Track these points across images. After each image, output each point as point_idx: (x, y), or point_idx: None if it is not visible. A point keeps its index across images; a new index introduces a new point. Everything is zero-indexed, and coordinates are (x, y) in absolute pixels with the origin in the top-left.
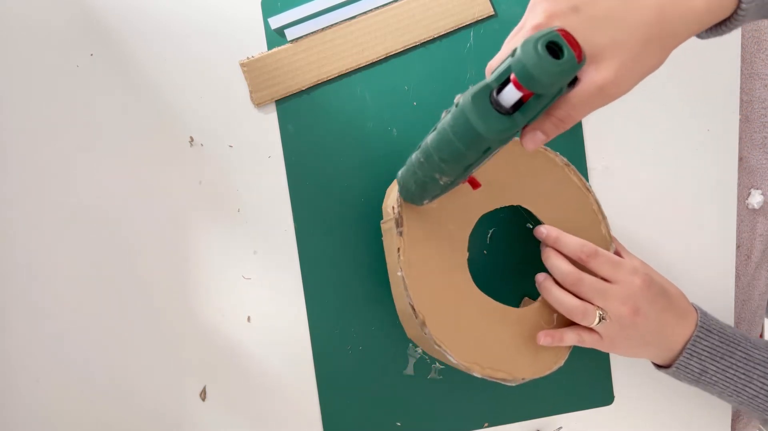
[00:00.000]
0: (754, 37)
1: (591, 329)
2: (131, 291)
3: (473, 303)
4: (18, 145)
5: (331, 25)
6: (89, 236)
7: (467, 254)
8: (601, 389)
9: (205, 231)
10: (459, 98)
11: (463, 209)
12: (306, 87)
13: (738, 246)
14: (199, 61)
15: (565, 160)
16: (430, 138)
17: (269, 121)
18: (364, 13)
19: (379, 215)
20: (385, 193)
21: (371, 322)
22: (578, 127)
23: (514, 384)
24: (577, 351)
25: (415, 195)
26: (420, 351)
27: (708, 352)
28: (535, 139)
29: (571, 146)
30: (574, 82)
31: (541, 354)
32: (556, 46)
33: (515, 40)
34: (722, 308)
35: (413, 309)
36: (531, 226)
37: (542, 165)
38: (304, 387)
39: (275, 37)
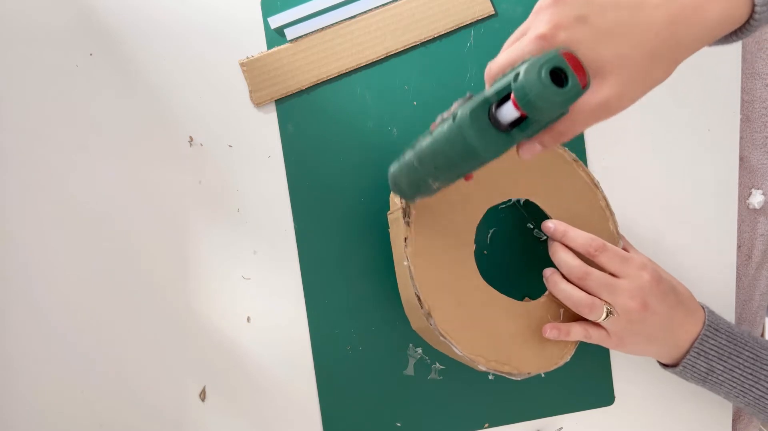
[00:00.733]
0: (755, 36)
1: (598, 325)
2: (131, 291)
3: (480, 296)
4: (18, 145)
5: (331, 25)
6: (89, 236)
7: (474, 246)
8: (601, 389)
9: (204, 231)
10: (457, 107)
11: (470, 201)
12: (306, 86)
13: (739, 247)
14: (198, 60)
15: (573, 155)
16: (425, 143)
17: (269, 120)
18: (364, 12)
19: (380, 215)
20: (385, 192)
21: (371, 322)
22: None
23: (519, 379)
24: (577, 352)
25: (406, 193)
26: (420, 351)
27: (715, 351)
28: (532, 150)
29: (571, 146)
30: None
31: (547, 348)
32: (561, 71)
33: (517, 46)
34: (723, 308)
35: (419, 299)
36: (532, 226)
37: (551, 160)
38: (304, 387)
39: (275, 37)
